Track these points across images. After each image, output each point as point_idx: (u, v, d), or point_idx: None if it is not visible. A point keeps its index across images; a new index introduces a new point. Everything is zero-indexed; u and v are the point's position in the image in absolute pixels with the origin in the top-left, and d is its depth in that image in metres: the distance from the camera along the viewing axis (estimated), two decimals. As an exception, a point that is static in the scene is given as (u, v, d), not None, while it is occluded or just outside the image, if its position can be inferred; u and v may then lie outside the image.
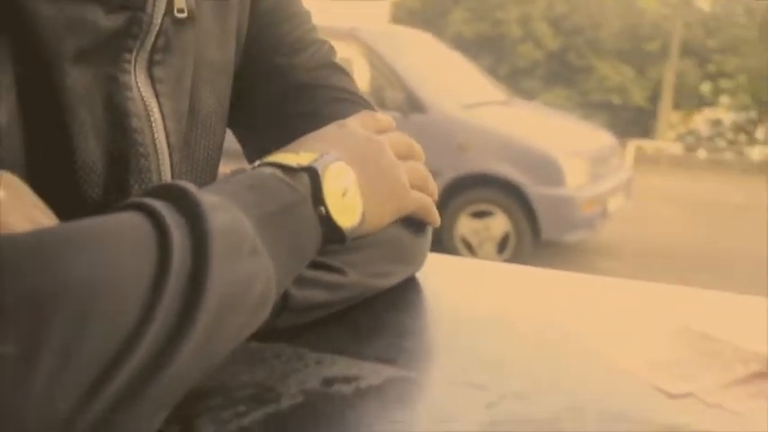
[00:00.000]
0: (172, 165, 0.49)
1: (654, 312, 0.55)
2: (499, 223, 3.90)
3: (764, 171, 7.67)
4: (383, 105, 3.80)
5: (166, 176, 0.49)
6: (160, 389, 0.31)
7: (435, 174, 0.56)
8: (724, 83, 9.88)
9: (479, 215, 3.92)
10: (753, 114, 9.77)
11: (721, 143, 9.55)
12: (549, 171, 3.84)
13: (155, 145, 0.48)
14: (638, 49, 9.83)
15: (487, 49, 9.26)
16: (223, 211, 0.36)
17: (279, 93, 0.59)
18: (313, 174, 0.43)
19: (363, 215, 0.46)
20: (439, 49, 4.88)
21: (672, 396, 0.42)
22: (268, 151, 0.46)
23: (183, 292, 0.32)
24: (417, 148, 0.55)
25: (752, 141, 9.57)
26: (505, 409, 0.40)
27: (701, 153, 9.11)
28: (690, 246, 4.56)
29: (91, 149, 0.45)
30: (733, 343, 0.48)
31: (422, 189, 0.54)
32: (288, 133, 0.49)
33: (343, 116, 0.53)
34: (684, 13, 9.82)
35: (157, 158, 0.48)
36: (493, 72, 5.88)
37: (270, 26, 0.59)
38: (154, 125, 0.48)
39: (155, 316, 0.31)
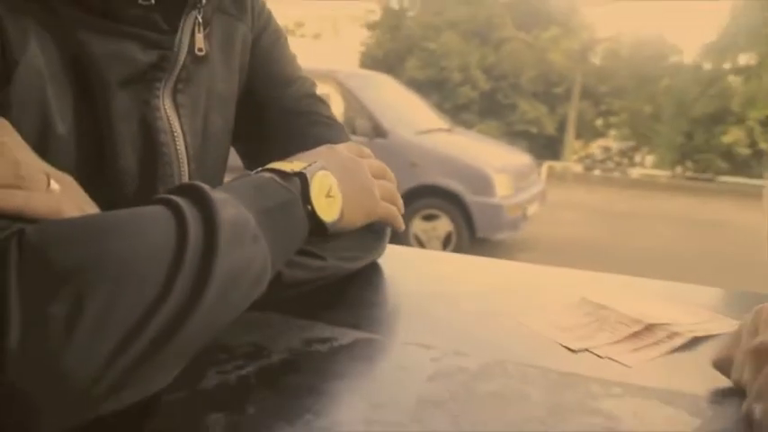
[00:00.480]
0: (189, 171, 0.49)
1: (560, 289, 0.56)
2: (443, 224, 3.92)
3: (640, 186, 7.92)
4: (353, 131, 3.78)
5: (185, 180, 0.48)
6: (177, 346, 0.31)
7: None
8: (612, 119, 10.17)
9: (428, 218, 3.94)
10: (632, 144, 10.09)
11: (610, 165, 9.82)
12: (483, 184, 3.87)
13: (177, 155, 0.47)
14: (549, 92, 10.03)
15: (435, 90, 9.31)
16: (230, 206, 0.36)
17: (273, 116, 0.58)
18: (303, 178, 0.43)
19: (342, 214, 0.46)
20: (397, 89, 4.89)
21: (573, 351, 0.43)
22: (264, 163, 0.45)
23: (196, 269, 0.32)
24: (390, 173, 0.55)
25: (632, 164, 9.88)
26: (447, 363, 0.40)
27: (596, 172, 9.35)
28: (588, 241, 4.67)
29: (128, 157, 0.45)
30: (618, 310, 0.49)
31: (391, 202, 0.54)
32: (280, 148, 0.49)
33: (324, 136, 0.53)
34: (582, 65, 10.06)
35: (179, 166, 0.48)
36: (439, 107, 5.90)
37: (266, 65, 0.58)
38: (176, 140, 0.47)
39: (174, 287, 0.30)
